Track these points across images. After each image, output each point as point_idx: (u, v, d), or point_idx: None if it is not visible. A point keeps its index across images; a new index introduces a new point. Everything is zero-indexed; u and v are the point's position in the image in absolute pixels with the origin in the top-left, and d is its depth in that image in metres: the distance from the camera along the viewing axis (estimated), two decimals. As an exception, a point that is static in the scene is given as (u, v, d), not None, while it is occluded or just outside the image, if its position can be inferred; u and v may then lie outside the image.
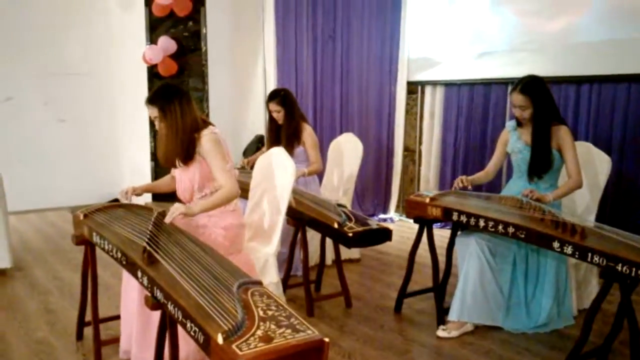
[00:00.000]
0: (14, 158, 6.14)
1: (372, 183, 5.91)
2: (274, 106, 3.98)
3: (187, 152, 2.64)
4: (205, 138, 2.63)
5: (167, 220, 2.47)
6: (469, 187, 3.18)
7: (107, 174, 6.72)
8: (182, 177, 2.76)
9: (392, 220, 5.77)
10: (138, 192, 2.82)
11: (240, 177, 3.06)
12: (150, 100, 2.64)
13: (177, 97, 2.61)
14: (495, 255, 3.03)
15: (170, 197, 3.04)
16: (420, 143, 5.74)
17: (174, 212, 2.48)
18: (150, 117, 2.71)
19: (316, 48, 5.95)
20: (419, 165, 5.75)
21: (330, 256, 4.00)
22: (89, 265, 2.72)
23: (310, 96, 5.98)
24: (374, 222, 3.11)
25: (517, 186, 3.17)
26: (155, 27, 6.27)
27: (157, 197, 5.52)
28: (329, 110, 6.04)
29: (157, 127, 2.69)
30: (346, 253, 4.19)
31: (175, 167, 2.74)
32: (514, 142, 3.19)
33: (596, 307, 2.45)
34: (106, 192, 6.53)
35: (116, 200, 6.14)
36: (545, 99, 3.02)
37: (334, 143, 4.52)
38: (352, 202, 4.45)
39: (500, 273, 3.06)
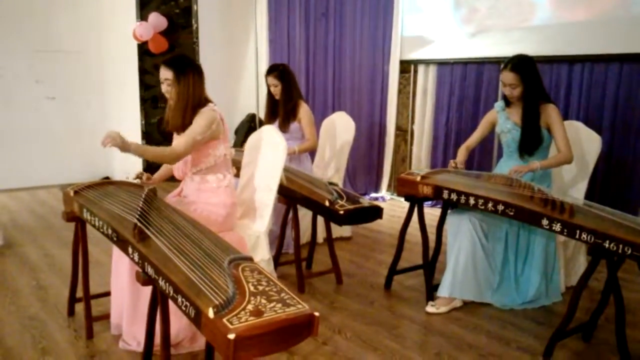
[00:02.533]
0: (4, 136, 6.10)
1: (364, 162, 5.92)
2: (271, 80, 3.97)
3: (186, 124, 2.66)
4: (202, 115, 2.66)
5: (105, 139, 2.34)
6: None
7: (98, 152, 6.63)
8: None
9: (383, 199, 5.79)
10: (153, 182, 2.82)
11: (234, 155, 3.06)
12: (168, 63, 2.68)
13: (193, 68, 2.69)
14: (487, 234, 3.07)
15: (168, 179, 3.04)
16: (412, 122, 5.73)
17: (112, 134, 2.36)
18: (160, 79, 2.71)
19: (309, 26, 5.90)
20: (411, 144, 5.75)
21: (321, 234, 4.02)
22: (80, 242, 2.72)
23: (303, 74, 5.96)
24: (365, 200, 3.12)
25: (507, 165, 3.19)
26: (145, 3, 6.18)
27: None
28: (321, 88, 6.02)
29: (163, 90, 2.73)
30: (337, 231, 4.21)
31: (177, 133, 2.75)
32: (502, 122, 3.20)
33: (583, 284, 2.49)
34: (97, 170, 6.52)
35: (107, 178, 6.13)
36: (534, 78, 3.04)
37: (326, 121, 4.51)
38: (343, 181, 4.46)
39: (492, 251, 3.09)
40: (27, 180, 6.25)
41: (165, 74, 2.68)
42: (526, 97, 3.05)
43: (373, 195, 5.88)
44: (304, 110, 3.99)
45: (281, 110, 3.98)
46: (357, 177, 5.94)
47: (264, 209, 3.03)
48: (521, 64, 3.02)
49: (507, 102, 3.19)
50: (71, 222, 2.71)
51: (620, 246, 2.21)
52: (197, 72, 2.70)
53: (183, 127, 2.68)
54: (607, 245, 2.25)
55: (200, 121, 2.64)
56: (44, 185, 6.29)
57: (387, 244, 4.27)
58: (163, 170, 3.00)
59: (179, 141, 2.63)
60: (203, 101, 2.72)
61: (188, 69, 2.67)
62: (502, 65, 3.10)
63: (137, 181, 2.83)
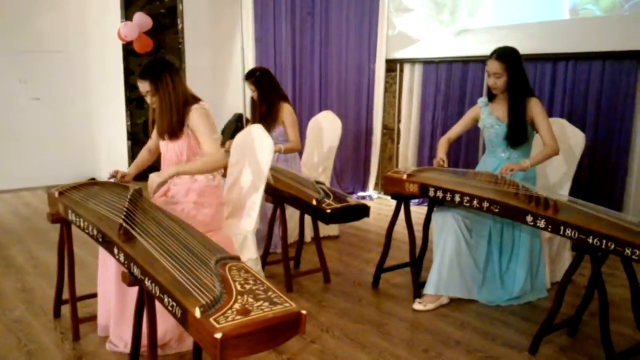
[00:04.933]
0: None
1: (351, 161, 5.93)
2: (249, 86, 3.99)
3: (177, 126, 2.64)
4: (195, 112, 2.64)
5: (152, 195, 2.47)
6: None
7: (84, 154, 6.63)
8: (168, 150, 2.75)
9: (371, 198, 5.81)
10: (127, 179, 2.80)
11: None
12: (141, 76, 2.65)
13: (167, 70, 2.63)
14: (471, 231, 3.09)
15: (144, 175, 3.01)
16: (399, 121, 5.75)
17: (152, 185, 2.48)
18: (142, 93, 2.70)
19: (295, 25, 5.90)
20: (398, 143, 5.78)
21: (309, 233, 4.02)
22: (65, 244, 2.70)
23: (290, 74, 5.95)
24: (352, 199, 3.13)
25: (491, 162, 3.22)
26: (130, 3, 6.14)
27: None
28: (308, 88, 6.02)
29: (149, 102, 2.70)
30: (325, 230, 4.22)
31: (167, 138, 2.72)
32: (485, 118, 3.21)
33: (568, 279, 2.52)
34: (83, 171, 6.46)
35: (93, 179, 6.08)
36: (520, 70, 3.06)
37: (313, 121, 4.51)
38: (331, 181, 4.47)
39: (476, 248, 3.12)
40: (11, 182, 6.18)
41: (144, 87, 2.65)
42: (511, 89, 3.06)
43: (360, 194, 5.89)
44: (286, 112, 3.95)
45: (258, 115, 3.98)
46: (344, 176, 5.95)
47: (252, 208, 3.03)
48: (507, 54, 3.05)
49: (491, 98, 3.20)
50: (57, 224, 2.69)
51: (604, 242, 2.24)
52: (173, 71, 2.65)
53: (172, 130, 2.64)
54: (591, 241, 2.28)
55: (201, 122, 2.61)
56: (28, 187, 6.23)
57: (375, 243, 4.29)
58: (137, 164, 2.97)
59: (207, 147, 2.61)
60: (190, 98, 2.68)
61: (162, 72, 2.61)
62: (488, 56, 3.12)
63: (112, 180, 2.81)
